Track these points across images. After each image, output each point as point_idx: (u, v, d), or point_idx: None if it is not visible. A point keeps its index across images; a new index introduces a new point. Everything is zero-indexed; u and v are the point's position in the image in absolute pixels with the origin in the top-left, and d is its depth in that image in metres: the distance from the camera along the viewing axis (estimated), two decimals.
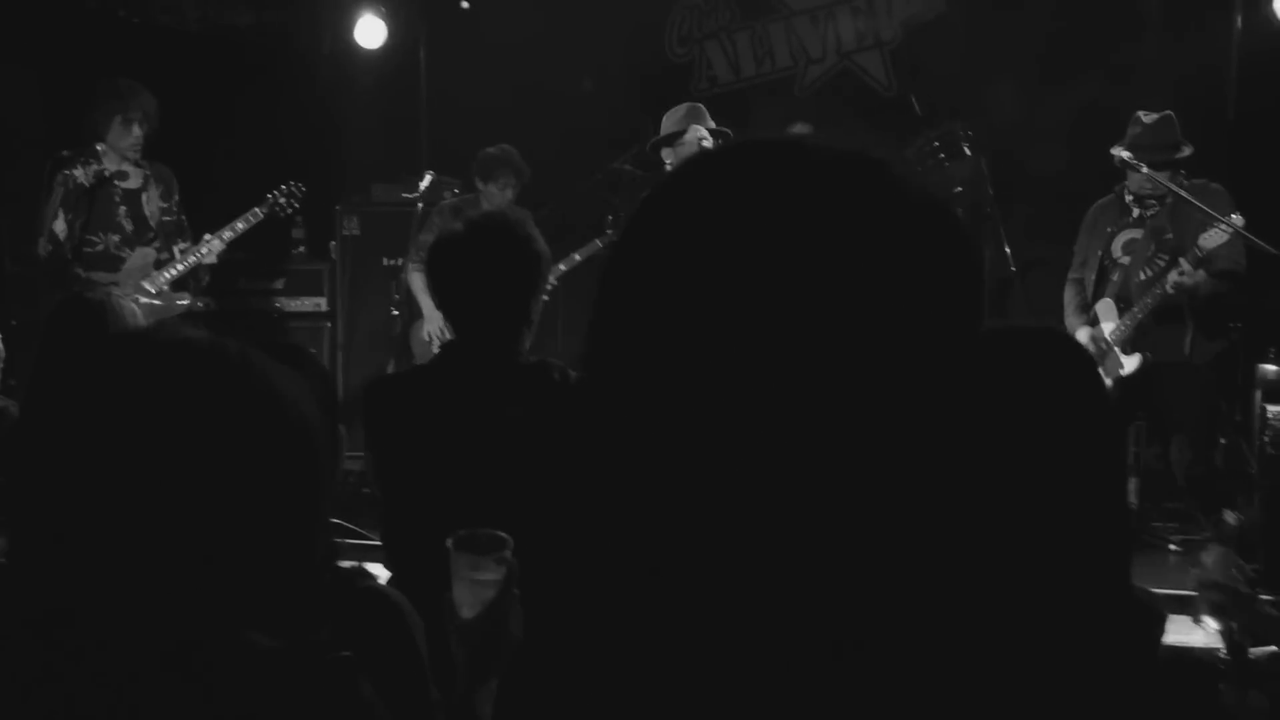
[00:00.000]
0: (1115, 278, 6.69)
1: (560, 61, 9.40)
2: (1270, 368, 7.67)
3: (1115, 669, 1.53)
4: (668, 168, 6.65)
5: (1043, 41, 8.63)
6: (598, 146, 8.63)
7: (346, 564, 2.33)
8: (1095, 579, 1.75)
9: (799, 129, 6.97)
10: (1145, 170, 6.40)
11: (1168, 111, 6.57)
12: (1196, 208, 6.25)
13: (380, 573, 2.92)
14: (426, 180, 7.86)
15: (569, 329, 8.30)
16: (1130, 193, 6.66)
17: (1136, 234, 6.65)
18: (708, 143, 6.56)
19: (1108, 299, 6.73)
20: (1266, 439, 7.62)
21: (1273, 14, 7.68)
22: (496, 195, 7.40)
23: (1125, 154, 6.48)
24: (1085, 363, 1.71)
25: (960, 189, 7.90)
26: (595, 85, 9.75)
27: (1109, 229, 6.75)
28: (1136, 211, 6.62)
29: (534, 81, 9.24)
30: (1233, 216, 6.26)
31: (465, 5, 9.47)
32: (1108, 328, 6.69)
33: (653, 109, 9.34)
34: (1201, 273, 6.28)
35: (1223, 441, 6.90)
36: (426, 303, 7.22)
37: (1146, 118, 6.61)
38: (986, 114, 8.47)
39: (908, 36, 9.31)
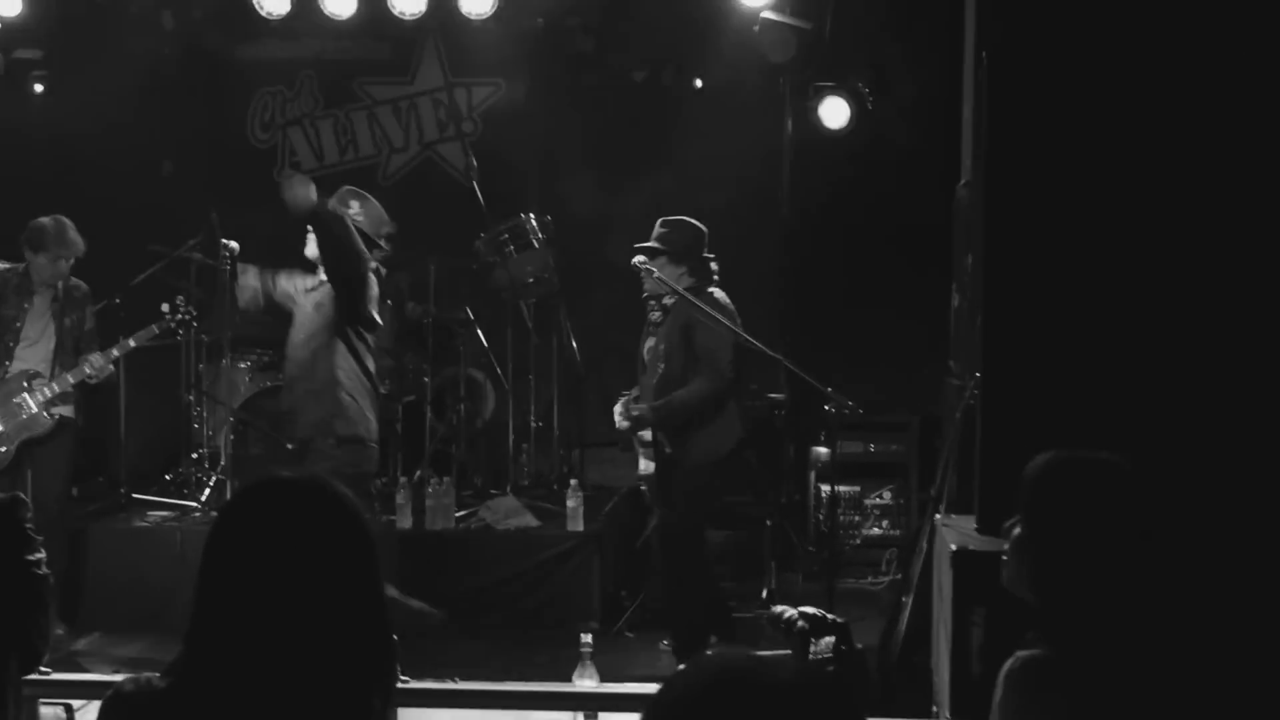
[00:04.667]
0: (641, 381, 6.73)
1: (138, 141, 9.16)
2: (821, 450, 8.18)
3: None
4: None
5: (615, 137, 8.97)
6: (172, 229, 8.40)
7: None
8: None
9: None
10: (656, 275, 6.45)
11: (681, 218, 6.59)
12: (699, 309, 6.28)
13: None
14: None
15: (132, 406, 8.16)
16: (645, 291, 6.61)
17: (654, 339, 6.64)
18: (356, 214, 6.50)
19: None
20: (820, 517, 8.12)
21: (819, 119, 8.23)
22: (47, 268, 7.07)
23: (639, 259, 6.51)
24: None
25: (531, 280, 8.07)
26: (175, 167, 9.53)
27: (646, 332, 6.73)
28: (656, 315, 6.59)
29: (111, 161, 8.96)
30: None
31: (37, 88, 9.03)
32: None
33: (234, 193, 9.25)
34: (645, 409, 6.42)
35: (769, 523, 7.24)
36: None
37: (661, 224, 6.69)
38: (565, 205, 8.72)
39: (487, 128, 9.50)
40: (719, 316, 6.30)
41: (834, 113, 8.22)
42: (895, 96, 8.22)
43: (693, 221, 6.54)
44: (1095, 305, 4.27)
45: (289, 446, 6.45)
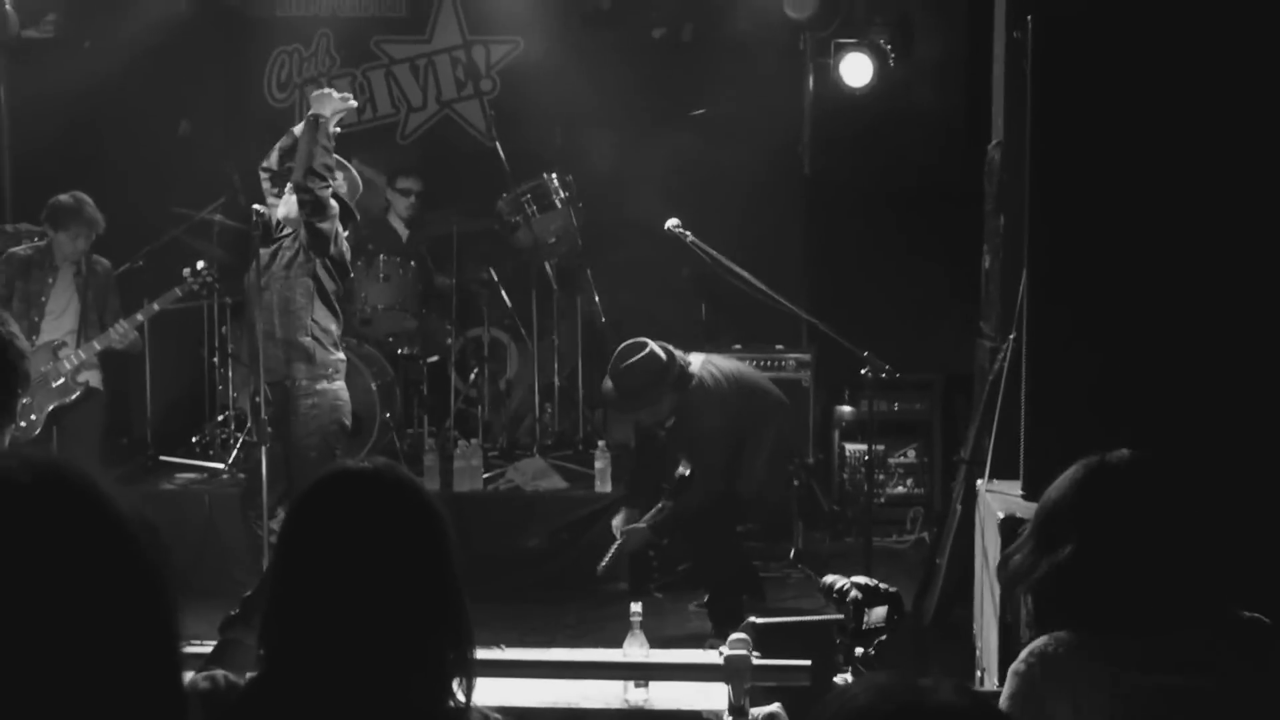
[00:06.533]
0: None
1: (155, 103, 9.14)
2: (846, 409, 8.19)
3: None
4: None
5: (634, 96, 8.92)
6: (192, 190, 8.41)
7: None
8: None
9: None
10: (690, 239, 6.63)
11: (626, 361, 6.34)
12: (732, 272, 6.57)
13: None
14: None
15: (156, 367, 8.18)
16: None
17: None
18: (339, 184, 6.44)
19: None
20: (845, 476, 8.14)
21: (840, 77, 8.18)
22: (68, 245, 7.10)
23: (674, 223, 6.73)
24: None
25: (554, 240, 8.07)
26: (192, 128, 9.51)
27: None
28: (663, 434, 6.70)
29: (125, 122, 8.95)
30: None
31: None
32: None
33: (250, 154, 9.22)
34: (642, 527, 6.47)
35: (796, 483, 7.26)
36: None
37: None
38: (586, 164, 8.69)
39: (506, 87, 9.45)
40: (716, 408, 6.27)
41: (856, 70, 8.16)
42: (918, 54, 8.17)
43: (638, 356, 6.22)
44: (1141, 272, 4.27)
45: (269, 398, 6.42)
